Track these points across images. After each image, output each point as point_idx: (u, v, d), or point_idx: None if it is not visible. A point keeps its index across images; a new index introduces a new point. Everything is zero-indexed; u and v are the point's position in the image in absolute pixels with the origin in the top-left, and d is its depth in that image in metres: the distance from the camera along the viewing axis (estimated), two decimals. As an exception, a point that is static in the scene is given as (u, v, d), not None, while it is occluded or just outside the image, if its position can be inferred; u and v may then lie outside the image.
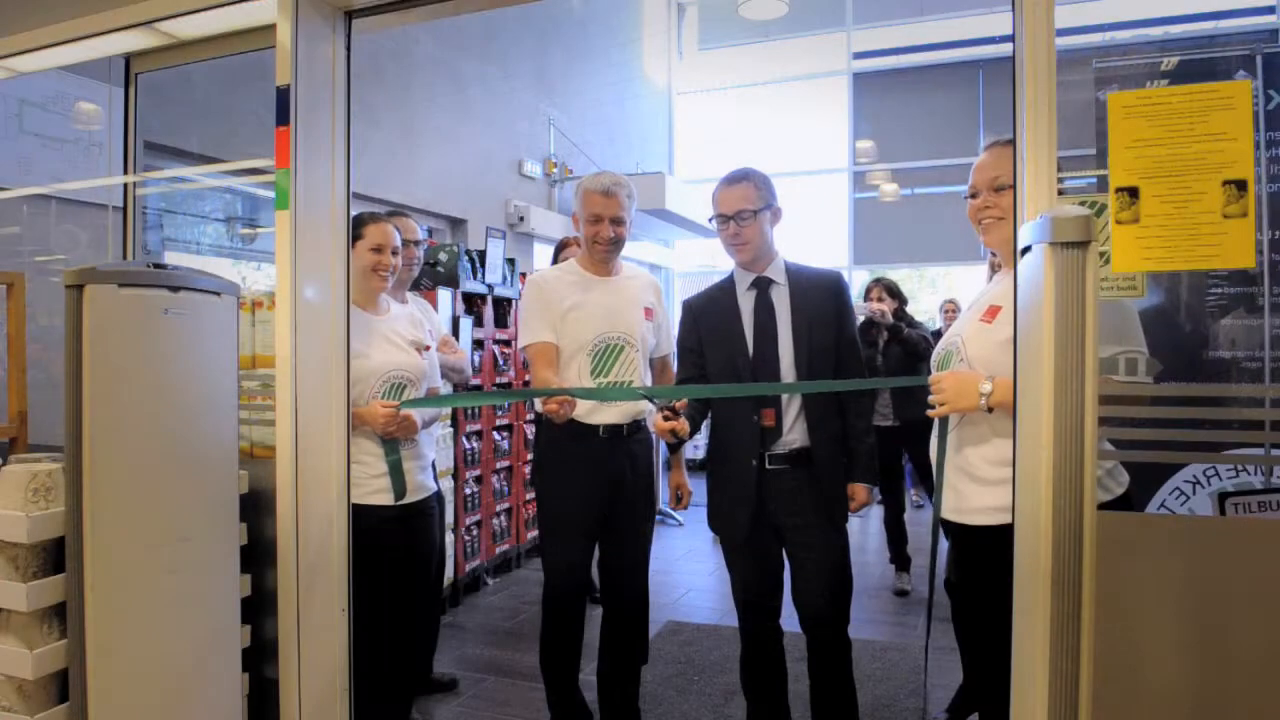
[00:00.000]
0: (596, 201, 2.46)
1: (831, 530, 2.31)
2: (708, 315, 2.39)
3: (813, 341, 2.26)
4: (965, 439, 1.86)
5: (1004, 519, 1.72)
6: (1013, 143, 1.80)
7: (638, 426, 2.54)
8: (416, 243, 2.73)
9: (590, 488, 2.47)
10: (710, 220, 2.36)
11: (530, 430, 4.81)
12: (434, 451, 2.79)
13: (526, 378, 4.11)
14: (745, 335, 2.30)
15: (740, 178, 2.33)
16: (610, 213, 2.46)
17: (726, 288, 2.39)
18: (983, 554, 1.81)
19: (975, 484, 1.81)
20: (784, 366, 2.26)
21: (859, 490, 2.34)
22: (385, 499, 2.34)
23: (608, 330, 2.47)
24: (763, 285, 2.32)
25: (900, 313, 4.68)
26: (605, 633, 2.67)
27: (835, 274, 2.42)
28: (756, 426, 2.25)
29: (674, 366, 2.64)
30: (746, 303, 2.33)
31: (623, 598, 2.64)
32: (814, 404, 2.27)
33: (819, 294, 2.31)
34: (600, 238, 2.47)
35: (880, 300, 4.47)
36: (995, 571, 1.78)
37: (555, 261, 3.54)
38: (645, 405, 2.49)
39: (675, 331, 2.60)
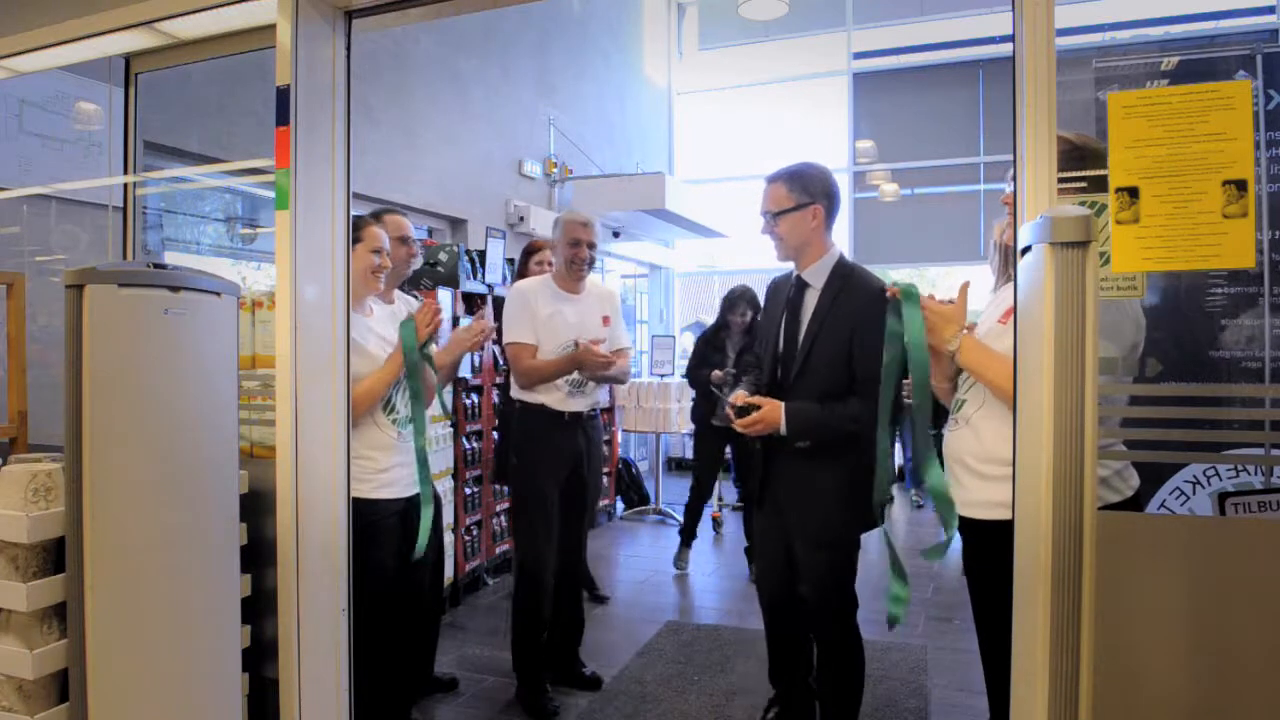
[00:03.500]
0: (579, 229, 2.98)
1: (825, 525, 2.30)
2: (771, 298, 2.49)
3: (816, 350, 2.26)
4: (960, 435, 1.88)
5: (1003, 514, 1.73)
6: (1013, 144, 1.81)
7: (594, 414, 3.09)
8: (404, 239, 2.70)
9: (557, 464, 2.97)
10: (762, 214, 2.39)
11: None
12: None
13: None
14: (780, 329, 2.36)
15: (776, 177, 2.32)
16: (588, 238, 3.00)
17: (787, 274, 2.42)
18: (988, 548, 1.82)
19: (974, 478, 1.82)
20: (795, 369, 2.29)
21: (775, 406, 2.24)
22: (387, 493, 2.36)
23: (575, 337, 2.98)
24: (799, 286, 2.34)
25: (754, 324, 4.96)
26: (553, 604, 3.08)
27: (878, 288, 2.21)
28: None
29: (629, 355, 3.18)
30: (786, 298, 2.38)
31: (570, 569, 3.11)
32: (805, 397, 2.27)
33: (849, 303, 2.24)
34: (579, 258, 2.99)
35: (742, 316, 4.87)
36: (996, 566, 1.79)
37: (524, 262, 3.76)
38: (601, 396, 3.11)
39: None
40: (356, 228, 2.36)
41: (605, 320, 3.09)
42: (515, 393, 3.03)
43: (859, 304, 2.23)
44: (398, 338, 2.47)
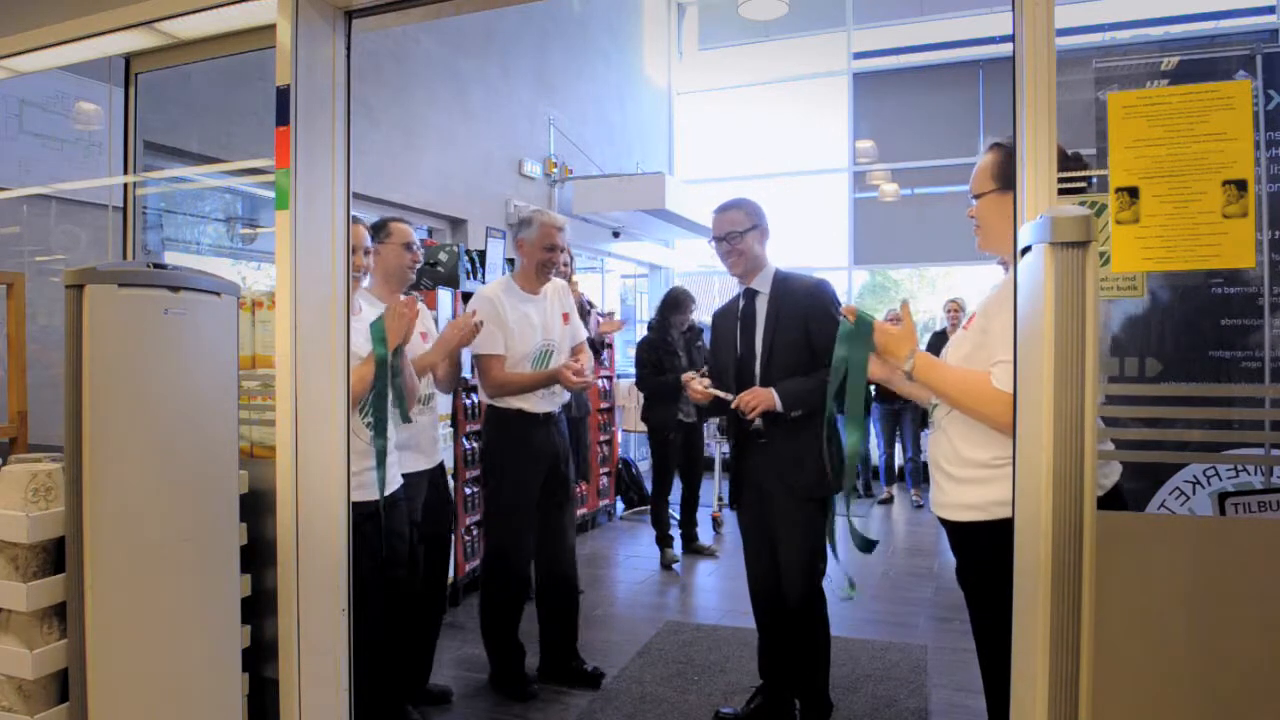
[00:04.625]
0: (556, 234, 3.06)
1: (801, 499, 2.58)
2: (717, 324, 2.87)
3: (777, 340, 2.63)
4: (934, 440, 1.92)
5: (975, 516, 1.75)
6: (995, 147, 1.82)
7: (561, 412, 3.18)
8: (408, 245, 2.75)
9: (539, 465, 3.03)
10: (709, 241, 2.78)
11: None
12: (435, 451, 2.88)
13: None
14: (735, 337, 2.74)
15: (730, 206, 2.74)
16: (564, 243, 3.11)
17: (734, 298, 2.82)
18: (967, 550, 1.84)
19: (949, 480, 1.84)
20: (759, 363, 2.66)
21: (765, 389, 2.58)
22: (359, 495, 2.36)
23: (542, 341, 3.08)
24: (749, 295, 2.74)
25: (691, 326, 5.18)
26: (541, 601, 3.18)
27: (815, 282, 2.72)
28: (736, 417, 2.65)
29: (588, 348, 3.28)
30: (738, 310, 2.76)
31: (559, 565, 3.15)
32: (772, 383, 2.60)
33: (795, 300, 2.66)
34: (553, 262, 3.09)
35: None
36: (976, 568, 1.80)
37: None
38: (565, 395, 3.16)
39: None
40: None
41: (565, 318, 3.18)
42: (486, 399, 3.08)
43: (805, 296, 2.65)
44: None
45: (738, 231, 2.68)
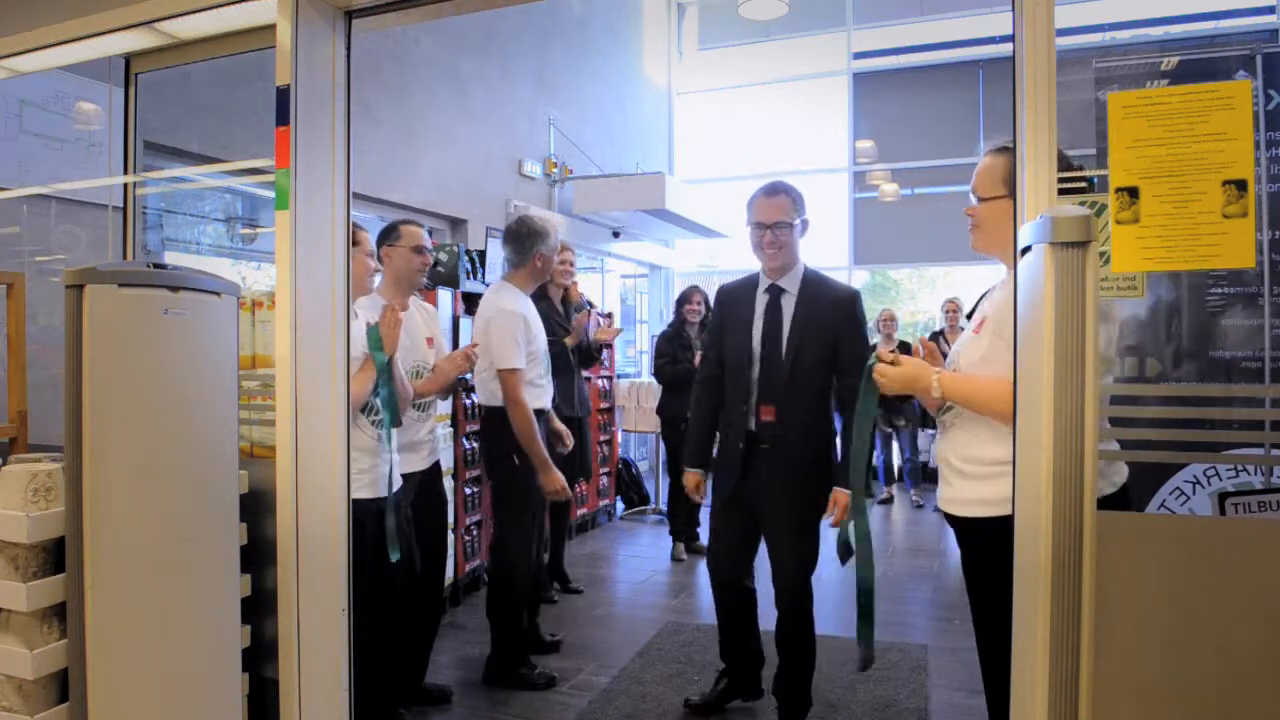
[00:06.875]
0: (561, 240, 3.27)
1: (801, 514, 2.53)
2: (732, 304, 2.65)
3: (803, 350, 2.48)
4: (946, 437, 1.92)
5: (989, 511, 1.75)
6: (1002, 150, 1.81)
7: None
8: (419, 249, 2.78)
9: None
10: (748, 226, 2.55)
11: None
12: (430, 452, 2.89)
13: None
14: (755, 333, 2.54)
15: (779, 190, 2.52)
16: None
17: (752, 283, 2.63)
18: (977, 545, 1.84)
19: (960, 477, 1.84)
20: (787, 366, 2.50)
21: (838, 495, 2.47)
22: (369, 493, 2.39)
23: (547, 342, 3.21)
24: (774, 293, 2.55)
25: (703, 320, 5.36)
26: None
27: (848, 292, 2.59)
28: (745, 415, 2.55)
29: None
30: (760, 304, 2.57)
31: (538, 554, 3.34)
32: (792, 398, 2.49)
33: (824, 309, 2.50)
34: (567, 261, 3.19)
35: None
36: (986, 563, 1.80)
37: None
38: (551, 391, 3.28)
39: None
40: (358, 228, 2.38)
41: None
42: (498, 402, 3.06)
43: (835, 308, 2.50)
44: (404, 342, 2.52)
45: (787, 222, 2.46)
